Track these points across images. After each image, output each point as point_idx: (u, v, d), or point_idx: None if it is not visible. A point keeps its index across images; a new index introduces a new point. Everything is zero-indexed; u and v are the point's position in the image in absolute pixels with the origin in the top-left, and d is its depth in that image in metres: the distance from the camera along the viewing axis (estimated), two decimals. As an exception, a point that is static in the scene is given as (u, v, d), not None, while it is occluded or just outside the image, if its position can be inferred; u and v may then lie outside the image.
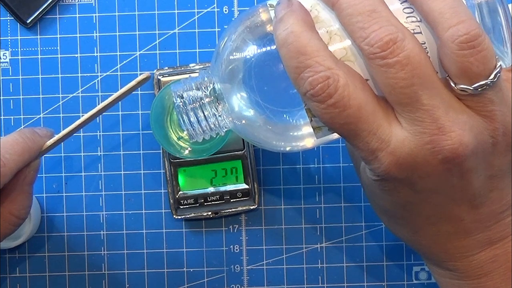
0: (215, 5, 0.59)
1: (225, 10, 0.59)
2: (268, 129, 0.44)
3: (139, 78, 0.51)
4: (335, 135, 0.44)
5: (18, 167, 0.48)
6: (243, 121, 0.45)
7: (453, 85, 0.39)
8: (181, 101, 0.46)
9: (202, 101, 0.45)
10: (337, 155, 0.59)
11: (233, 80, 0.44)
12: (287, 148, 0.46)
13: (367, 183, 0.44)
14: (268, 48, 0.42)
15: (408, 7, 0.40)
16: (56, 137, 0.52)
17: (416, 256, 0.52)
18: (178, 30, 0.59)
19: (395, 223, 0.46)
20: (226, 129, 0.47)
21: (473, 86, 0.38)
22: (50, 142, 0.51)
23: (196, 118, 0.46)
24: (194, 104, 0.46)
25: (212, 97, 0.45)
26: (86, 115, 0.52)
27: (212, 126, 0.46)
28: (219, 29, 0.59)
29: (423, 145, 0.39)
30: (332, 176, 0.59)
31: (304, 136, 0.44)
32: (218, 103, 0.45)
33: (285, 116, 0.43)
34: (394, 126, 0.39)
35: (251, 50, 0.43)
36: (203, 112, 0.46)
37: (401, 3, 0.40)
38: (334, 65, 0.39)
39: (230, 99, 0.44)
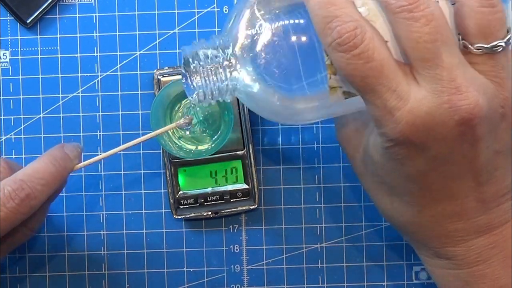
0: (215, 5, 0.59)
1: (225, 10, 0.59)
2: (275, 101, 0.44)
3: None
4: (345, 103, 0.44)
5: (48, 196, 0.48)
6: (252, 90, 0.45)
7: (470, 45, 0.40)
8: (198, 62, 0.45)
9: (217, 62, 0.45)
10: (337, 155, 0.59)
11: (250, 50, 0.44)
12: (288, 122, 0.47)
13: (373, 158, 0.44)
14: (291, 21, 0.42)
15: None
16: (87, 162, 0.52)
17: (416, 256, 0.52)
18: (178, 30, 0.59)
19: (400, 202, 0.45)
20: (232, 96, 0.46)
21: (490, 45, 0.40)
22: (79, 166, 0.51)
23: (210, 80, 0.45)
24: (211, 67, 0.45)
25: (227, 61, 0.45)
26: (125, 145, 0.53)
27: (223, 89, 0.46)
28: (219, 29, 0.59)
29: (441, 104, 0.39)
30: (332, 176, 0.59)
31: (308, 111, 0.44)
32: (232, 68, 0.45)
33: (297, 89, 0.43)
34: (412, 85, 0.40)
35: (273, 20, 0.43)
36: (218, 75, 0.45)
37: None
38: (361, 18, 0.40)
39: (245, 67, 0.44)
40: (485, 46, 0.40)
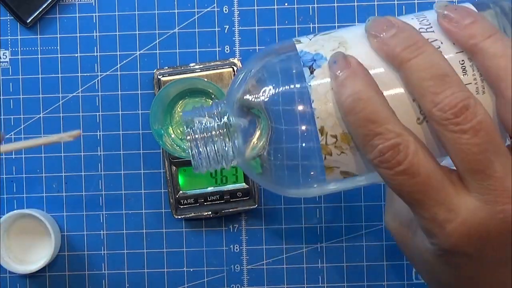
0: (215, 4, 0.59)
1: (225, 10, 0.59)
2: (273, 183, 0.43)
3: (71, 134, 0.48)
4: (343, 183, 0.42)
5: None
6: (251, 159, 0.43)
7: None
8: (191, 129, 0.43)
9: (214, 131, 0.42)
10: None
11: (247, 118, 0.42)
12: (291, 194, 0.44)
13: (424, 257, 0.42)
14: (291, 88, 0.40)
15: (461, 61, 0.39)
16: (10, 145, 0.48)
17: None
18: (178, 30, 0.59)
19: None
20: (232, 164, 0.44)
21: None
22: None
23: (205, 148, 0.43)
24: (205, 134, 0.43)
25: (224, 129, 0.42)
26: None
27: (220, 158, 0.43)
28: (219, 29, 0.59)
29: (495, 214, 0.38)
30: (332, 176, 0.59)
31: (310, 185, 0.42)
32: (229, 137, 0.43)
33: (297, 163, 0.41)
34: (462, 195, 0.38)
35: (270, 90, 0.41)
36: (213, 144, 0.43)
37: (456, 56, 0.39)
38: (403, 131, 0.38)
39: (242, 135, 0.42)
40: None
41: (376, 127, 0.37)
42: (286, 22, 0.59)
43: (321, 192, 0.43)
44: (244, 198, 0.58)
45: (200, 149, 0.43)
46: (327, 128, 0.39)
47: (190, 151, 0.43)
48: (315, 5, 0.59)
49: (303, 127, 0.40)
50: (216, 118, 0.43)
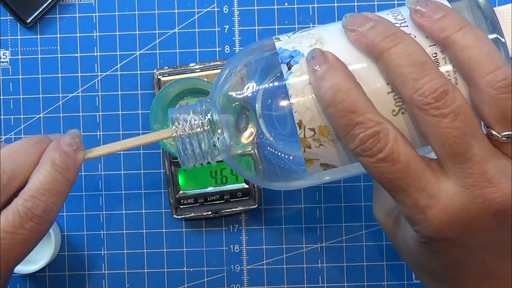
0: (215, 4, 0.59)
1: (225, 10, 0.59)
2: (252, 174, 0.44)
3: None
4: (326, 175, 0.43)
5: (63, 204, 0.45)
6: (236, 154, 0.44)
7: (496, 133, 0.39)
8: (176, 126, 0.44)
9: (198, 128, 0.44)
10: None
11: (230, 115, 0.43)
12: (276, 187, 0.45)
13: (409, 246, 0.43)
14: (271, 85, 0.42)
15: (433, 54, 0.40)
16: (97, 152, 0.46)
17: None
18: (178, 29, 0.59)
19: (443, 284, 0.44)
20: (217, 159, 0.45)
21: None
22: (90, 156, 0.46)
23: (191, 144, 0.44)
24: (190, 131, 0.44)
25: (209, 126, 0.44)
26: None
27: (205, 154, 0.45)
28: (219, 29, 0.59)
29: (474, 198, 0.38)
30: (332, 176, 0.59)
31: (295, 177, 0.44)
32: (213, 133, 0.44)
33: (280, 156, 0.42)
34: (442, 181, 0.39)
35: (252, 87, 0.42)
36: (198, 140, 0.44)
37: (429, 49, 0.40)
38: (383, 120, 0.39)
39: (226, 131, 0.44)
40: None
41: (357, 117, 0.38)
42: (286, 22, 0.59)
43: (304, 184, 0.44)
44: (244, 198, 0.58)
45: (187, 146, 0.44)
46: (305, 122, 0.40)
47: (176, 147, 0.45)
48: (315, 5, 0.59)
49: (283, 122, 0.41)
50: (201, 115, 0.44)
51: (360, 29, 0.40)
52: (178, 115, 0.44)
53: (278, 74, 0.41)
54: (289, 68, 0.41)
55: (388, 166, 0.38)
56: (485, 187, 0.38)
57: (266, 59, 0.43)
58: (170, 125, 0.44)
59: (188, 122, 0.44)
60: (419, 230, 0.40)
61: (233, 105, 0.43)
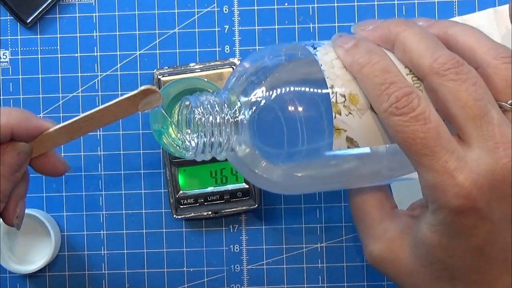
0: (215, 4, 0.59)
1: (225, 10, 0.59)
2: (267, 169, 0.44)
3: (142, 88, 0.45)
4: (344, 162, 0.43)
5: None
6: (247, 154, 0.44)
7: (503, 103, 0.41)
8: (198, 112, 0.43)
9: (221, 118, 0.43)
10: (337, 155, 0.59)
11: (257, 113, 0.43)
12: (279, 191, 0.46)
13: (431, 244, 0.42)
14: (304, 89, 0.42)
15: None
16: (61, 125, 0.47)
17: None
18: (178, 29, 0.59)
19: (465, 285, 0.43)
20: (225, 155, 0.44)
21: None
22: (54, 128, 0.47)
23: (211, 133, 0.43)
24: (212, 120, 0.43)
25: (231, 119, 0.43)
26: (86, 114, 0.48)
27: (219, 146, 0.43)
28: (219, 29, 0.59)
29: (499, 159, 0.39)
30: (332, 176, 0.59)
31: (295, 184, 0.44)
32: (234, 126, 0.43)
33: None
34: (465, 147, 0.40)
35: (287, 89, 0.42)
36: (219, 130, 0.43)
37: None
38: (412, 85, 0.41)
39: (247, 129, 0.43)
40: None
41: (391, 76, 0.41)
42: (286, 22, 0.59)
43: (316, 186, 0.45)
44: (244, 198, 0.58)
45: (206, 133, 0.43)
46: (336, 87, 0.41)
47: (196, 133, 0.43)
48: (315, 5, 0.59)
49: (314, 91, 0.42)
50: (225, 105, 0.43)
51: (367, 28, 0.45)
52: (201, 100, 0.43)
53: (309, 62, 0.43)
54: (315, 48, 0.43)
55: (421, 126, 0.40)
56: (507, 148, 0.39)
57: (293, 55, 0.44)
58: (194, 109, 0.43)
59: (212, 111, 0.43)
60: (447, 201, 0.40)
61: (264, 106, 0.43)
